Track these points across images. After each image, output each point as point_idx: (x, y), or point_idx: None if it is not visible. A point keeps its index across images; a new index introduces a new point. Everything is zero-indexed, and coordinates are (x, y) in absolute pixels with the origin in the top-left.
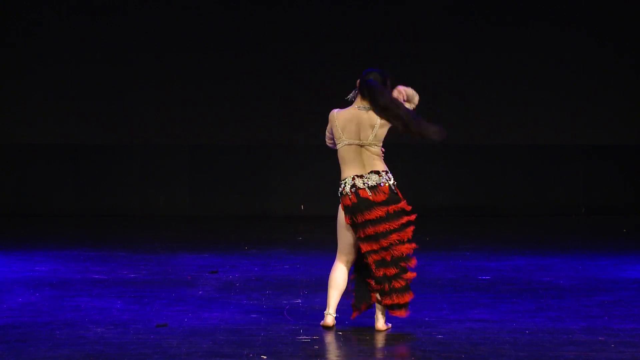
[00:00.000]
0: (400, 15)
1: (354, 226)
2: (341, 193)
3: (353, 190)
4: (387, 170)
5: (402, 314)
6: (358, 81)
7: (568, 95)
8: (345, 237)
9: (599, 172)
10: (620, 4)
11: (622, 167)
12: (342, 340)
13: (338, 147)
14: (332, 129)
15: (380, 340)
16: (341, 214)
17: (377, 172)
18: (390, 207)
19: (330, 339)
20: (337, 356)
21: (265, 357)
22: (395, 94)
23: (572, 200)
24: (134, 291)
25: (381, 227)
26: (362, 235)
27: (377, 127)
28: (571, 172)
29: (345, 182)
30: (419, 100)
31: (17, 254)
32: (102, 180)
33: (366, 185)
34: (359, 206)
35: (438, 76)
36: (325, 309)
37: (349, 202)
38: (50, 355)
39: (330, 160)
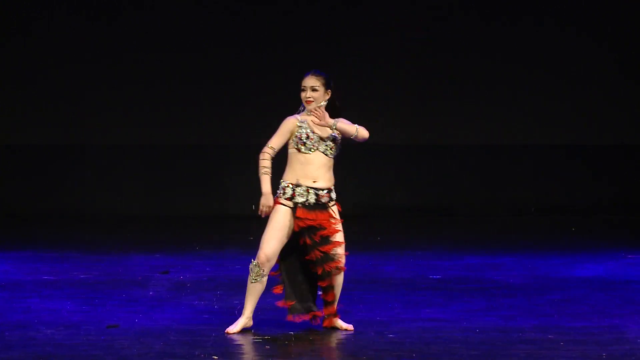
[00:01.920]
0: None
1: None
2: None
3: None
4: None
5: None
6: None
7: (518, 94)
8: None
9: (549, 171)
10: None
11: (573, 166)
12: (293, 340)
13: None
14: None
15: (331, 340)
16: None
17: None
18: None
19: (281, 338)
20: (289, 356)
21: (216, 357)
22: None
23: (523, 199)
24: (85, 292)
25: None
26: None
27: None
28: (522, 171)
29: None
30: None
31: None
32: (56, 181)
33: None
34: None
35: (389, 75)
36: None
37: None
38: (1, 357)
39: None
